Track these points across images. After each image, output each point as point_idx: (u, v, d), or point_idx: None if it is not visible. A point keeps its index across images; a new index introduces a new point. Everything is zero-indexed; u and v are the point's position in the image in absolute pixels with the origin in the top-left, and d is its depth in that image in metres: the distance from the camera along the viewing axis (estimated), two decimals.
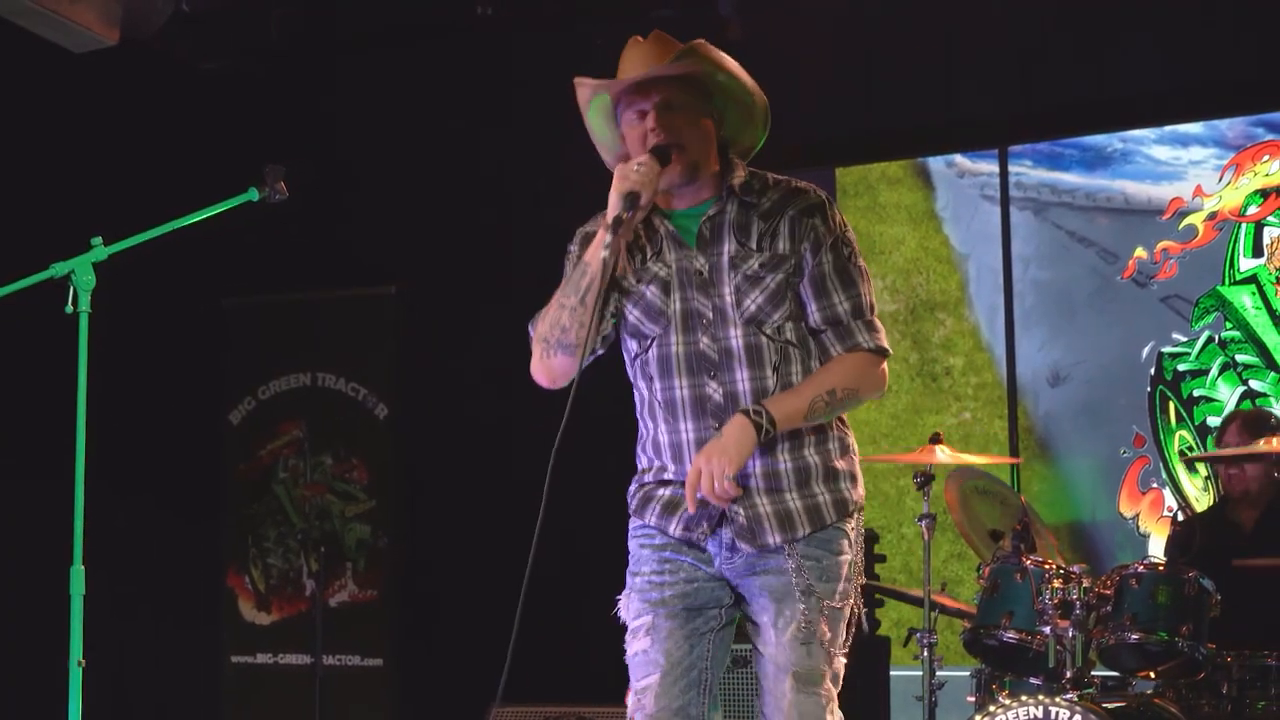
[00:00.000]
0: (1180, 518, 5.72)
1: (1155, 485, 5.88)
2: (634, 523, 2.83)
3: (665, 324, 2.74)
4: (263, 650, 6.76)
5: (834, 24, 6.07)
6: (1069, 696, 3.88)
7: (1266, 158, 5.79)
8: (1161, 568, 4.23)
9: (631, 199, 2.62)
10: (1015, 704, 3.86)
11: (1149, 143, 6.00)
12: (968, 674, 4.51)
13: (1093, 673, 4.09)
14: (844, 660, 2.73)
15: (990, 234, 6.23)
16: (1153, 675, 4.18)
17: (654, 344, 2.75)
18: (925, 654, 4.31)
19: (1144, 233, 5.96)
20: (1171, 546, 4.91)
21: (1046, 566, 4.13)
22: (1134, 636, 4.06)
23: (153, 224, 3.18)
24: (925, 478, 4.36)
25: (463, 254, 6.51)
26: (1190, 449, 5.78)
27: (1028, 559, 4.17)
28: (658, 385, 2.75)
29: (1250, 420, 4.90)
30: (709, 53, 2.71)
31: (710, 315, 2.71)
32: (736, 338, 2.70)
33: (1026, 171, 6.18)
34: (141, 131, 6.65)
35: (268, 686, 6.68)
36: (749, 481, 2.68)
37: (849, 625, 2.75)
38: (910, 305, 6.37)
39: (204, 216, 3.21)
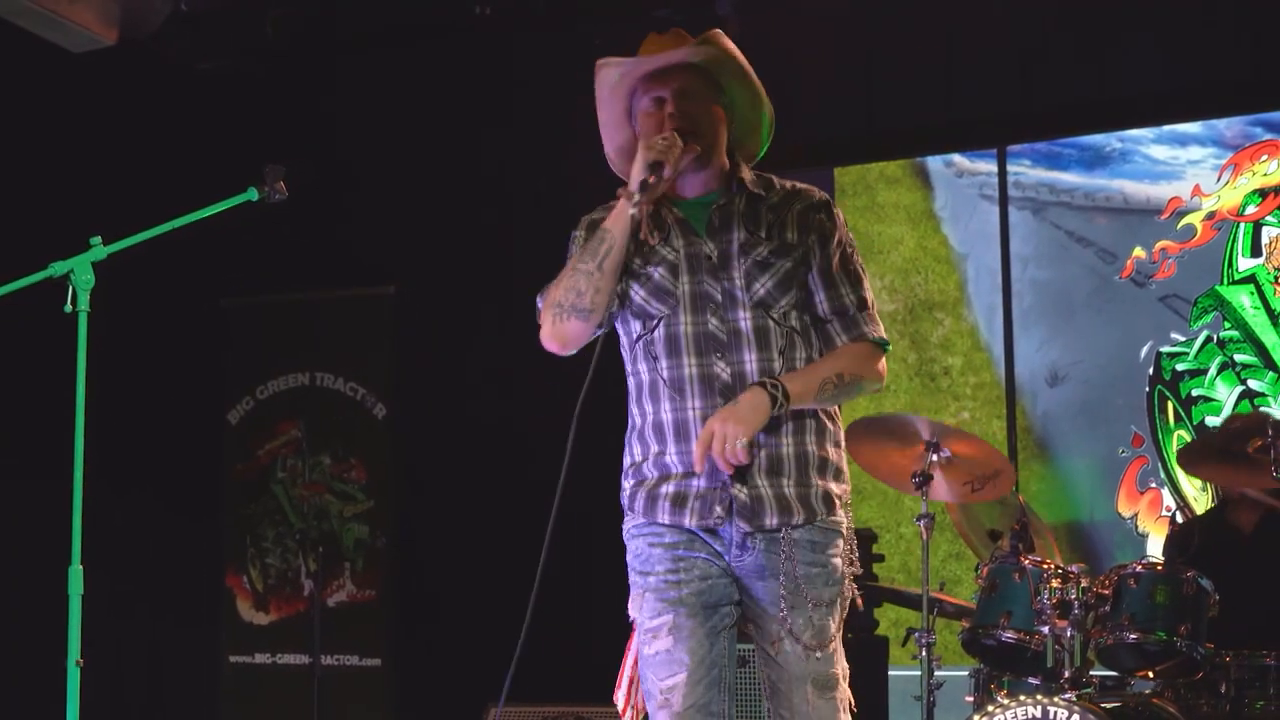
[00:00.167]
0: (1179, 518, 5.73)
1: (1154, 485, 5.88)
2: (637, 522, 2.83)
3: (674, 304, 2.78)
4: (261, 650, 6.76)
5: (834, 24, 6.07)
6: (1067, 696, 3.88)
7: (1265, 157, 5.79)
8: (1160, 567, 4.23)
9: (656, 167, 2.70)
10: (1013, 704, 3.86)
11: (1147, 142, 6.00)
12: (966, 674, 4.50)
13: (1091, 672, 4.09)
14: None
15: (989, 234, 6.23)
16: (1151, 675, 4.18)
17: (661, 324, 2.79)
18: (923, 654, 4.30)
19: (1142, 232, 5.97)
20: (1169, 547, 4.91)
21: (1045, 566, 4.12)
22: (1132, 636, 4.05)
23: (152, 223, 3.18)
24: (924, 477, 4.35)
25: (461, 254, 6.51)
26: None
27: (1026, 559, 4.17)
28: (664, 364, 2.78)
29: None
30: (726, 42, 2.85)
31: (720, 298, 2.77)
32: (746, 319, 2.76)
33: (1025, 171, 6.19)
34: (141, 131, 6.66)
35: (266, 686, 6.68)
36: (751, 463, 2.71)
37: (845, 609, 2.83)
38: (909, 305, 6.37)
39: (203, 216, 3.21)
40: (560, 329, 2.77)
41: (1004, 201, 6.20)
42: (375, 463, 6.73)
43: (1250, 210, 5.80)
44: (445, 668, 6.28)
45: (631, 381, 2.87)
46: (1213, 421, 5.69)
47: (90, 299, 3.02)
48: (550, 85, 6.26)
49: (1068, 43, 5.87)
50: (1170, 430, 5.87)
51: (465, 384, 6.43)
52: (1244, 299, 5.79)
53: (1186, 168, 5.92)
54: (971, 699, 4.39)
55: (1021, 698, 3.89)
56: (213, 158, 6.32)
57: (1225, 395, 5.78)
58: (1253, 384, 5.74)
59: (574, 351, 2.81)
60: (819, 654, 2.72)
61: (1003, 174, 6.21)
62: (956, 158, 6.35)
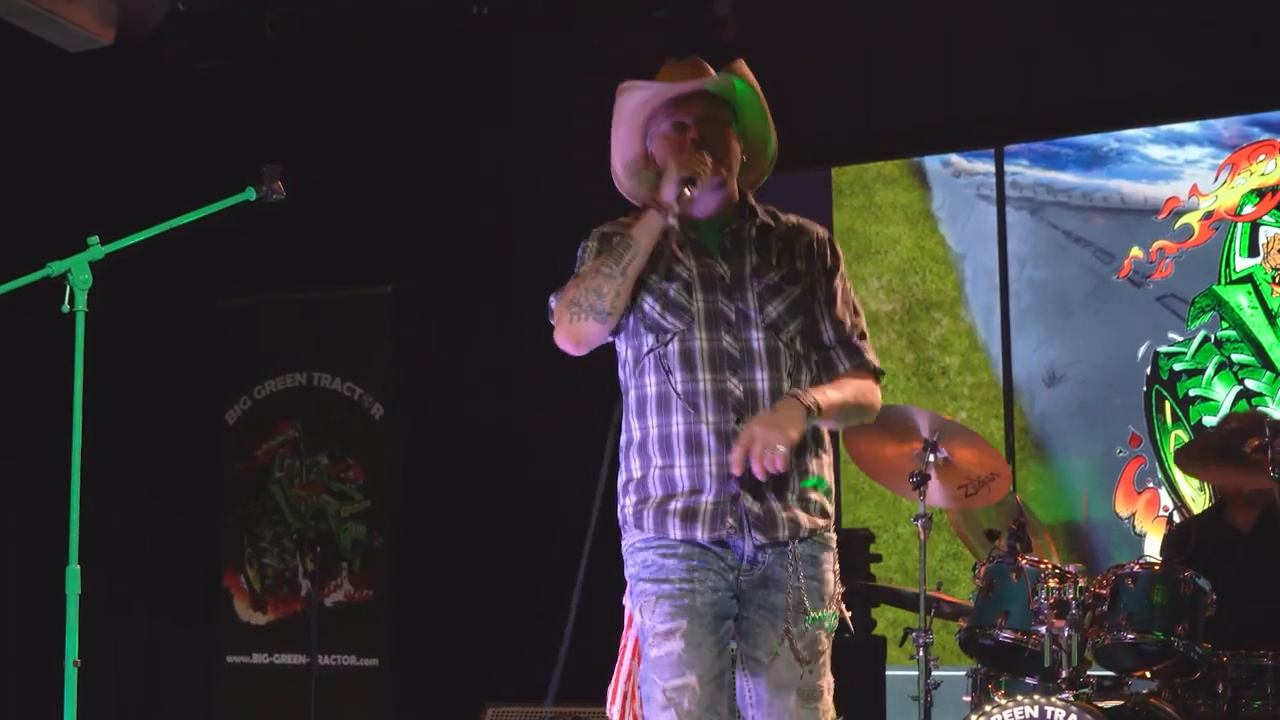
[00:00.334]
0: (1176, 518, 5.73)
1: (1151, 485, 5.88)
2: (645, 537, 2.87)
3: (689, 320, 2.85)
4: (258, 650, 6.75)
5: (833, 23, 6.07)
6: (1065, 696, 3.88)
7: (1262, 157, 5.79)
8: (1157, 567, 4.23)
9: (690, 182, 2.79)
10: (1011, 704, 3.86)
11: (1145, 142, 6.01)
12: (963, 674, 4.50)
13: (1088, 672, 4.09)
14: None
15: (986, 233, 6.23)
16: (1148, 675, 4.18)
17: (675, 338, 2.85)
18: (921, 654, 4.30)
19: (1140, 232, 5.97)
20: (1167, 547, 4.91)
21: (1042, 566, 4.13)
22: (1130, 636, 4.05)
23: (149, 223, 3.18)
24: (921, 477, 4.35)
25: (459, 254, 6.51)
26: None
27: (1023, 558, 4.17)
28: (678, 378, 2.84)
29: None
30: (749, 75, 2.95)
31: (733, 317, 2.85)
32: (758, 339, 2.85)
33: (1022, 171, 6.19)
34: (138, 131, 6.66)
35: (263, 686, 6.68)
36: (771, 476, 2.74)
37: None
38: (906, 305, 6.37)
39: (201, 216, 3.21)
40: (576, 328, 2.81)
41: (1001, 201, 6.20)
42: (373, 463, 6.73)
43: (1248, 210, 5.81)
44: (443, 668, 6.28)
45: (634, 395, 2.89)
46: (1210, 421, 5.69)
47: (88, 299, 3.01)
48: (549, 85, 6.27)
49: (1066, 43, 5.87)
50: (1168, 430, 5.87)
51: (463, 384, 6.43)
52: (1241, 299, 5.79)
53: (1184, 167, 5.93)
54: (969, 699, 4.39)
55: (1019, 698, 3.89)
56: (210, 158, 6.31)
57: (1223, 395, 5.79)
58: (1250, 384, 5.75)
59: (585, 352, 2.86)
60: (808, 665, 2.81)
61: (1000, 174, 6.21)
62: (954, 158, 6.35)
